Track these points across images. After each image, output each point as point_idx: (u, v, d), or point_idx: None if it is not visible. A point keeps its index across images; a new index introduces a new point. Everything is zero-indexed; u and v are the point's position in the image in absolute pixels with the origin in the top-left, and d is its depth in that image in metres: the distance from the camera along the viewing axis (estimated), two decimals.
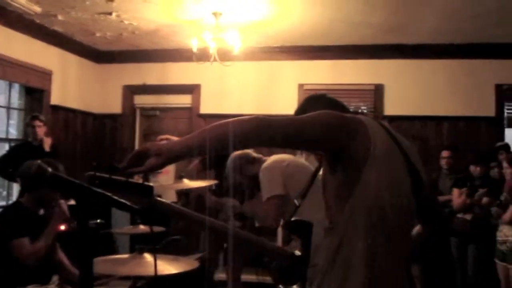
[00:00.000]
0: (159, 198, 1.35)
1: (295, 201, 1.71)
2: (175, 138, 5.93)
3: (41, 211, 2.97)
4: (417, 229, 1.69)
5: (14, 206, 3.03)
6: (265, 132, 1.31)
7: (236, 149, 1.35)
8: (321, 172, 1.56)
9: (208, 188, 4.15)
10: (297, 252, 1.56)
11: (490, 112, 5.60)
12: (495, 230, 4.18)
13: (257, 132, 1.30)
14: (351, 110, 1.61)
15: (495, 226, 4.19)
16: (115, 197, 0.97)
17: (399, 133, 1.53)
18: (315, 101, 1.66)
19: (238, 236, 1.60)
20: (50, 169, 0.92)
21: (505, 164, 4.14)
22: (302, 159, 3.12)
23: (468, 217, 4.48)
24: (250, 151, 2.90)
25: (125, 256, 2.19)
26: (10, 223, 2.80)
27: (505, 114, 5.63)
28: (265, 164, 2.76)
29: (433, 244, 4.92)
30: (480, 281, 4.48)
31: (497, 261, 4.14)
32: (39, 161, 0.91)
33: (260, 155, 2.97)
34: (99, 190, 0.96)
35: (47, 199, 2.90)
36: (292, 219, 1.64)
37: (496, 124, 5.57)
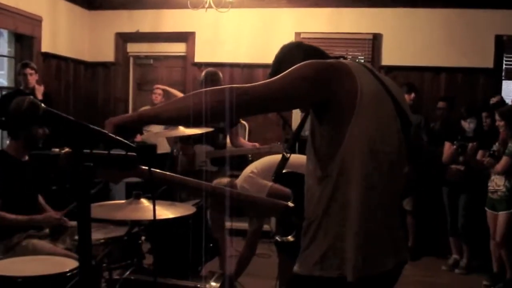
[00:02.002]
0: (143, 167, 1.34)
1: (284, 153, 1.70)
2: (170, 89, 5.86)
3: (26, 158, 2.95)
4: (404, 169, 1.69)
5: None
6: (243, 100, 1.29)
7: (213, 120, 1.32)
8: (308, 123, 1.52)
9: (180, 137, 4.11)
10: (290, 204, 1.57)
11: (489, 63, 5.54)
12: (486, 180, 4.24)
13: (236, 102, 1.27)
14: (331, 56, 1.55)
15: (487, 176, 4.25)
16: (110, 134, 0.95)
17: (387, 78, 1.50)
18: (290, 50, 1.58)
19: (232, 196, 1.61)
20: (43, 105, 0.88)
21: (497, 117, 4.15)
22: None
23: (461, 167, 4.53)
24: None
25: (122, 201, 2.20)
26: None
27: (504, 66, 5.58)
28: None
29: (425, 192, 5.03)
30: (470, 229, 4.58)
31: (487, 209, 4.23)
32: (31, 97, 0.88)
33: None
34: (94, 126, 0.93)
35: (36, 140, 2.86)
36: (284, 171, 1.64)
37: (494, 76, 5.53)
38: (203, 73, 4.00)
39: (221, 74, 4.05)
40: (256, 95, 1.31)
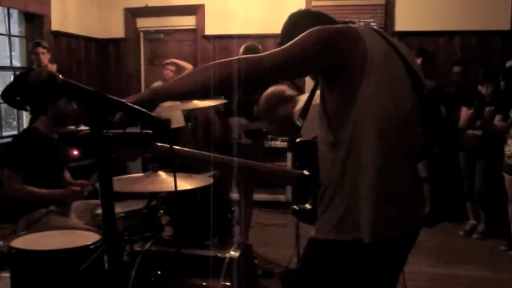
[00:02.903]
0: (159, 144, 1.35)
1: (297, 122, 1.70)
2: (181, 62, 5.82)
3: (55, 135, 2.98)
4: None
5: (28, 131, 3.03)
6: (255, 70, 1.29)
7: (225, 92, 1.30)
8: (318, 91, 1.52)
9: (215, 110, 4.11)
10: (306, 172, 1.58)
11: (505, 25, 5.40)
12: (504, 145, 4.19)
13: (248, 72, 1.28)
14: (340, 21, 1.53)
15: (505, 140, 4.19)
16: (129, 103, 0.95)
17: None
18: (298, 18, 1.57)
19: (248, 167, 1.63)
20: (60, 76, 0.89)
21: None
22: None
23: (478, 132, 4.47)
24: (284, 89, 2.66)
25: (140, 174, 2.22)
26: (28, 145, 2.82)
27: None
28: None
29: (440, 157, 4.99)
30: (487, 194, 4.56)
31: (504, 174, 4.19)
32: (48, 68, 0.88)
33: (294, 93, 2.63)
34: (114, 97, 0.93)
35: (64, 116, 2.89)
36: (297, 140, 1.64)
37: (511, 38, 5.39)
38: (242, 48, 3.88)
39: (260, 47, 3.90)
40: (267, 64, 1.30)
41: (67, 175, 3.13)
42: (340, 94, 1.35)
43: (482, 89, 4.44)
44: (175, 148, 1.49)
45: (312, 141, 1.56)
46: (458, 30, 5.47)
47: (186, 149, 1.56)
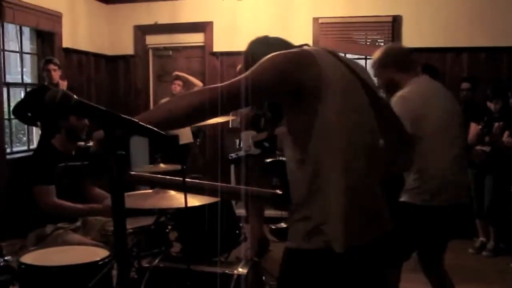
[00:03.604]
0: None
1: (264, 143, 1.77)
2: (190, 77, 5.88)
3: (72, 152, 3.00)
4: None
5: (46, 148, 3.03)
6: (216, 101, 1.34)
7: (193, 123, 1.36)
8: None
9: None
10: (279, 191, 1.61)
11: None
12: None
13: (210, 103, 1.35)
14: (295, 45, 1.60)
15: None
16: (142, 123, 0.97)
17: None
18: (256, 45, 1.64)
19: (222, 190, 1.70)
20: (75, 96, 0.91)
21: None
22: None
23: (486, 148, 4.45)
24: None
25: (149, 191, 2.24)
26: (39, 167, 2.84)
27: None
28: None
29: None
30: (496, 211, 4.52)
31: None
32: (62, 89, 0.90)
33: None
34: (125, 116, 0.95)
35: (76, 132, 2.92)
36: (267, 160, 1.69)
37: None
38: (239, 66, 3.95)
39: None
40: (226, 95, 1.36)
41: (95, 190, 3.14)
42: (300, 115, 1.41)
43: (491, 105, 4.44)
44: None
45: (281, 160, 1.62)
46: (466, 46, 5.48)
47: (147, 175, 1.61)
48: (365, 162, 1.43)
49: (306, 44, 1.56)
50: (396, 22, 5.65)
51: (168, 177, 1.62)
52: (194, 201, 2.00)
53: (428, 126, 2.42)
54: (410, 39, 5.64)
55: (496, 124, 4.29)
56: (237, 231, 2.57)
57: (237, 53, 5.89)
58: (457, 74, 5.46)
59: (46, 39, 5.43)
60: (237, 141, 4.24)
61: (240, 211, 4.88)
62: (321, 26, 5.78)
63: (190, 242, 2.43)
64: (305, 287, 1.44)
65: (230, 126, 4.06)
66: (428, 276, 2.78)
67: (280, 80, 1.38)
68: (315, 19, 5.80)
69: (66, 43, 5.59)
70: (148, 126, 1.00)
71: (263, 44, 1.62)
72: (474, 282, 3.91)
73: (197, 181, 1.68)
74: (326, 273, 1.41)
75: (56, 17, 5.42)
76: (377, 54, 2.66)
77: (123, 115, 0.96)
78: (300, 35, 5.75)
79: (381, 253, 1.51)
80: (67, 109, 0.91)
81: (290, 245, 1.47)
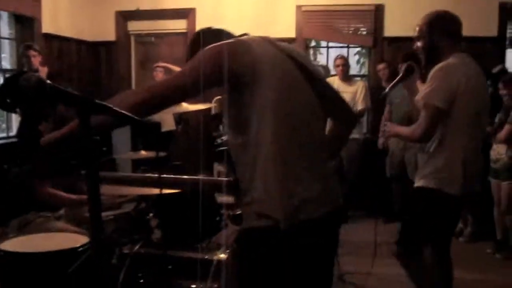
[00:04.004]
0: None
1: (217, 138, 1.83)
2: (172, 66, 5.86)
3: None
4: (329, 125, 1.82)
5: (33, 135, 3.00)
6: (154, 100, 1.43)
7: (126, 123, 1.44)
8: None
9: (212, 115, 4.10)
10: (230, 179, 1.66)
11: (493, 32, 5.48)
12: (489, 149, 4.25)
13: (148, 103, 1.42)
14: (235, 35, 1.67)
15: (489, 145, 4.26)
16: (116, 108, 0.98)
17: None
18: (197, 38, 1.71)
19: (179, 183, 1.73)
20: (48, 81, 0.91)
21: (501, 86, 4.13)
22: None
23: None
24: None
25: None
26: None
27: (508, 35, 5.52)
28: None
29: None
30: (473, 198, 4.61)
31: (490, 179, 4.25)
32: (37, 74, 0.90)
33: None
34: (101, 102, 0.96)
35: (65, 121, 2.89)
36: (217, 149, 1.74)
37: (498, 44, 5.47)
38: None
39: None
40: (163, 93, 1.44)
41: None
42: (239, 101, 1.48)
43: None
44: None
45: (227, 148, 1.69)
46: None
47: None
48: (304, 138, 1.51)
49: (245, 34, 1.64)
50: (378, 10, 5.68)
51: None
52: (175, 188, 2.01)
53: (462, 107, 2.31)
54: (392, 28, 5.68)
55: None
56: (218, 218, 2.59)
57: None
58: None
59: (25, 24, 5.33)
60: (221, 126, 4.23)
61: (222, 198, 4.91)
62: (304, 14, 5.78)
63: (170, 229, 2.44)
64: (255, 265, 1.50)
65: (212, 112, 4.06)
66: (410, 261, 2.69)
67: (215, 71, 1.44)
68: (298, 7, 5.79)
69: (46, 28, 5.49)
70: (125, 112, 1.01)
71: (205, 37, 1.68)
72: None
73: (156, 175, 1.71)
74: (274, 249, 1.46)
75: (35, 1, 5.32)
76: (429, 15, 2.54)
77: (98, 101, 0.96)
78: (283, 22, 5.75)
79: (331, 228, 1.57)
80: (42, 94, 0.91)
81: (243, 225, 1.54)
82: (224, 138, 3.79)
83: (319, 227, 1.50)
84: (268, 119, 1.45)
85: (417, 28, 2.53)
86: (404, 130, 2.63)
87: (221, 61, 1.43)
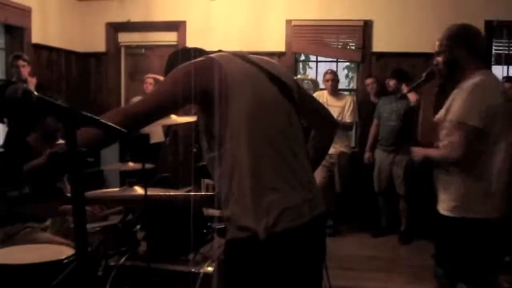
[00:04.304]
0: None
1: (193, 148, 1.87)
2: (160, 77, 5.88)
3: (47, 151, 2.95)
4: (312, 135, 1.86)
5: (21, 146, 2.98)
6: (130, 120, 1.43)
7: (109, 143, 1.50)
8: None
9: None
10: (211, 193, 1.67)
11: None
12: None
13: (125, 124, 1.40)
14: (209, 52, 1.71)
15: None
16: (103, 120, 0.98)
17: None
18: (171, 58, 1.76)
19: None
20: (35, 93, 0.91)
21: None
22: None
23: None
24: None
25: (116, 189, 2.23)
26: (19, 159, 2.80)
27: (493, 51, 5.61)
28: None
29: (416, 177, 5.09)
30: None
31: None
32: (24, 85, 0.91)
33: None
34: (87, 113, 0.96)
35: (51, 131, 2.88)
36: (198, 165, 1.78)
37: (484, 61, 5.55)
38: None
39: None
40: (141, 113, 1.47)
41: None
42: (212, 117, 1.51)
43: None
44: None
45: (205, 164, 1.70)
46: (434, 52, 5.61)
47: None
48: (279, 149, 1.52)
49: (220, 51, 1.68)
50: (367, 26, 5.76)
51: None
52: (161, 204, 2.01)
53: (497, 125, 2.19)
54: (381, 43, 5.76)
55: None
56: (204, 230, 2.58)
57: (210, 53, 5.90)
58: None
59: (15, 34, 5.32)
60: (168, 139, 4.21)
61: (209, 211, 4.89)
62: (294, 28, 5.84)
63: (157, 241, 2.43)
64: (239, 275, 1.52)
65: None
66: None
67: (186, 88, 1.47)
68: (288, 21, 5.86)
69: (36, 38, 5.48)
70: (109, 124, 1.02)
71: (176, 58, 1.73)
72: None
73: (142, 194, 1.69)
74: (256, 259, 1.48)
75: (25, 11, 5.32)
76: (450, 28, 2.42)
77: (85, 113, 0.97)
78: (273, 36, 5.80)
79: (313, 236, 1.57)
80: (28, 106, 0.91)
81: (226, 238, 1.56)
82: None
83: (301, 235, 1.51)
84: (241, 133, 1.48)
85: (437, 43, 2.41)
86: (434, 152, 2.46)
87: (190, 79, 1.47)
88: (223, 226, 1.72)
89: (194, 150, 3.28)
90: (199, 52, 1.73)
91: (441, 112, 2.40)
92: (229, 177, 1.49)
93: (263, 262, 1.47)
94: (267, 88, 1.58)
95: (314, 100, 1.85)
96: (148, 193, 2.02)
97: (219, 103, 1.48)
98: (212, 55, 1.58)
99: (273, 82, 1.59)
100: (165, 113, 1.63)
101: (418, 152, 2.60)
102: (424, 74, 2.52)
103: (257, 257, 1.48)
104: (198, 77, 1.48)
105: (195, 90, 1.47)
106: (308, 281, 1.58)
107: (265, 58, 1.69)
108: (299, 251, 1.52)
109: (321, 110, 1.85)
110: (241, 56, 1.61)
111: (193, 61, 1.54)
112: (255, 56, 1.66)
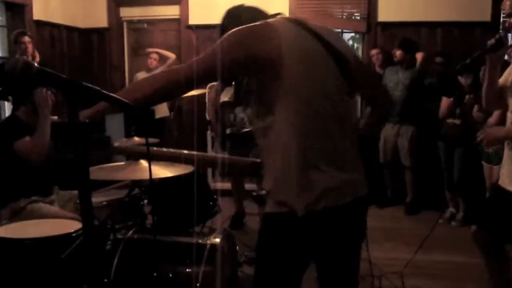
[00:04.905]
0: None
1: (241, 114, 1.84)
2: (164, 52, 5.81)
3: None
4: (367, 111, 1.77)
5: (10, 119, 3.02)
6: (176, 82, 1.44)
7: (155, 103, 1.52)
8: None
9: (222, 103, 4.07)
10: (258, 160, 1.67)
11: (486, 17, 5.47)
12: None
13: (171, 85, 1.45)
14: (269, 15, 1.64)
15: (483, 130, 4.27)
16: (104, 91, 0.98)
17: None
18: (229, 15, 1.68)
19: (208, 160, 1.75)
20: (36, 64, 0.91)
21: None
22: None
23: (457, 121, 4.55)
24: None
25: (121, 163, 2.24)
26: (9, 132, 2.82)
27: (501, 19, 5.51)
28: None
29: (423, 147, 5.09)
30: (465, 182, 4.65)
31: (483, 162, 4.28)
32: (24, 57, 0.90)
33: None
34: (88, 84, 0.96)
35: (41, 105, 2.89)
36: (244, 130, 1.76)
37: (492, 29, 5.46)
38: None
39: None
40: (188, 76, 1.42)
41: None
42: (263, 87, 1.46)
43: (462, 80, 4.52)
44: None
45: (250, 130, 1.67)
46: (440, 21, 5.53)
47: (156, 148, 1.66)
48: (328, 128, 1.46)
49: (279, 14, 1.60)
50: None
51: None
52: (166, 172, 2.02)
53: None
54: (386, 13, 5.66)
55: (467, 96, 4.37)
56: (211, 203, 2.60)
57: (213, 27, 5.80)
58: (431, 48, 5.52)
59: (16, 11, 5.27)
60: (231, 116, 4.17)
61: (216, 184, 4.93)
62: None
63: (163, 214, 2.45)
64: (274, 250, 1.52)
65: (222, 100, 4.06)
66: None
67: (240, 55, 1.42)
68: None
69: (37, 15, 5.43)
70: (116, 96, 1.01)
71: (234, 15, 1.66)
72: (444, 250, 4.07)
73: (174, 150, 1.70)
74: (293, 234, 1.47)
75: None
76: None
77: (86, 84, 0.96)
78: (277, 8, 5.65)
79: (354, 215, 1.54)
80: (29, 78, 0.91)
81: (265, 211, 1.55)
82: (234, 129, 3.79)
83: (340, 215, 1.48)
84: (291, 108, 1.42)
85: (509, 3, 2.33)
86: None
87: (247, 45, 1.42)
88: (260, 193, 1.72)
89: (230, 129, 3.25)
90: (257, 12, 1.65)
91: (505, 76, 2.35)
92: (274, 150, 1.47)
93: (299, 239, 1.47)
94: (323, 62, 1.50)
95: (373, 75, 1.78)
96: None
97: (270, 73, 1.42)
98: (270, 21, 1.51)
99: (330, 54, 1.51)
100: (217, 76, 1.55)
101: (492, 135, 2.53)
102: (489, 43, 2.35)
103: (293, 233, 1.47)
104: (254, 43, 1.42)
105: (248, 57, 1.42)
106: (343, 262, 1.55)
107: (325, 27, 1.60)
108: (337, 231, 1.49)
109: (379, 87, 1.78)
110: (301, 24, 1.52)
111: (250, 25, 1.47)
112: (315, 24, 1.56)
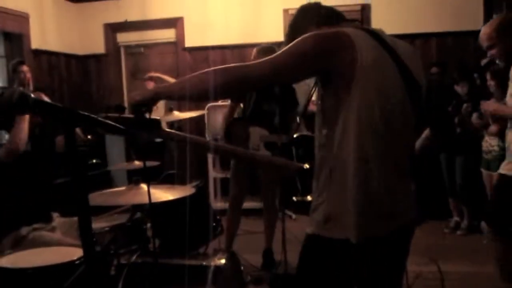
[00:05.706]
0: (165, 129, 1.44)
1: (297, 118, 1.79)
2: (163, 76, 5.85)
3: (28, 147, 2.96)
4: (425, 133, 1.74)
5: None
6: (246, 79, 1.37)
7: (218, 97, 1.42)
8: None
9: (234, 119, 4.00)
10: (306, 166, 1.61)
11: (479, 25, 5.50)
12: (481, 141, 4.28)
13: (239, 81, 1.37)
14: (346, 19, 1.59)
15: (481, 137, 4.29)
16: (100, 118, 0.99)
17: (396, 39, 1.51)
18: (304, 15, 1.61)
19: (247, 157, 1.72)
20: (32, 95, 0.92)
21: (488, 77, 4.16)
22: None
23: (456, 129, 4.56)
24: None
25: (122, 188, 2.24)
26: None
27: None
28: None
29: (424, 156, 5.07)
30: (468, 190, 4.64)
31: (482, 169, 4.28)
32: (20, 88, 0.91)
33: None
34: (84, 112, 0.97)
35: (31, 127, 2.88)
36: (295, 135, 1.71)
37: None
38: (255, 51, 3.65)
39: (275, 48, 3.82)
40: (260, 73, 1.36)
41: None
42: (331, 97, 1.39)
43: (458, 89, 4.54)
44: (178, 133, 1.56)
45: (310, 136, 1.62)
46: (434, 32, 5.58)
47: (189, 135, 1.60)
48: (391, 151, 1.39)
49: (356, 20, 1.56)
50: (364, 10, 5.72)
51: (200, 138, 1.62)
52: (167, 195, 2.02)
53: None
54: (379, 26, 5.65)
55: (464, 105, 4.39)
56: (214, 224, 2.59)
57: (209, 48, 5.90)
58: (426, 59, 5.55)
59: (14, 41, 5.34)
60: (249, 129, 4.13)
61: (217, 205, 4.91)
62: (291, 17, 5.79)
63: (166, 237, 2.45)
64: (321, 276, 1.44)
65: (206, 121, 4.09)
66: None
67: (313, 64, 1.36)
68: (285, 10, 5.83)
69: (35, 44, 5.50)
70: (107, 121, 1.02)
71: (310, 17, 1.58)
72: (450, 260, 4.03)
73: (228, 146, 1.67)
74: (343, 263, 1.41)
75: (23, 18, 5.33)
76: (494, 22, 2.52)
77: (82, 112, 0.97)
78: (271, 27, 5.77)
79: (402, 245, 1.51)
80: (25, 108, 0.92)
81: (310, 231, 1.47)
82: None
83: (391, 241, 1.44)
84: (353, 122, 1.35)
85: (485, 37, 2.52)
86: (507, 108, 2.59)
87: (323, 53, 1.35)
88: (271, 140, 1.65)
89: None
90: (332, 14, 1.57)
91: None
92: (332, 164, 1.40)
93: (348, 266, 1.41)
94: (393, 81, 1.41)
95: (432, 101, 1.74)
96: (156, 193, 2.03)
97: (340, 86, 1.35)
98: (346, 30, 1.40)
99: (402, 76, 1.42)
100: (289, 78, 1.51)
101: (490, 105, 2.78)
102: (483, 62, 2.64)
103: (343, 261, 1.41)
104: (332, 52, 1.35)
105: (320, 66, 1.37)
106: (391, 279, 1.52)
107: (402, 42, 1.52)
108: (387, 257, 1.46)
109: (435, 113, 1.75)
110: (376, 36, 1.42)
111: (324, 32, 1.41)
112: (391, 38, 1.47)
